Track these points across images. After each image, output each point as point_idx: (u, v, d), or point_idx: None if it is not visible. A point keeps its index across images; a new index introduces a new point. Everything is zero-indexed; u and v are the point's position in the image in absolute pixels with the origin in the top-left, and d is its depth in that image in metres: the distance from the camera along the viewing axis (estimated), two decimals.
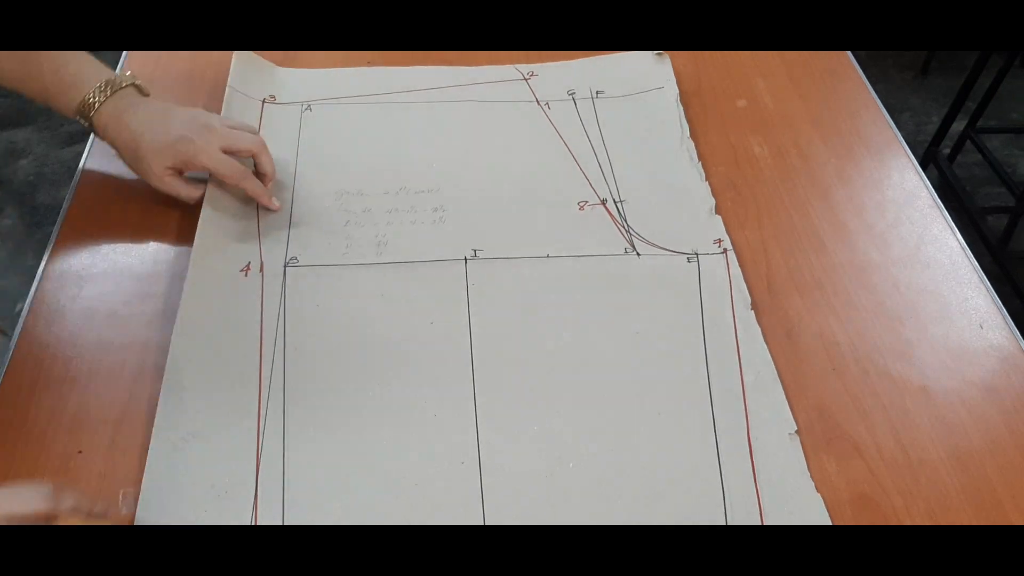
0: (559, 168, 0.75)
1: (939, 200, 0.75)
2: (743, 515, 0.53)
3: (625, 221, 0.70)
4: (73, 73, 0.65)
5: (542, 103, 0.81)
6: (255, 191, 0.67)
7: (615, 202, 0.72)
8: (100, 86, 0.64)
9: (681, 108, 0.80)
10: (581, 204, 0.72)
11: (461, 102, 0.82)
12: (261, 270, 0.65)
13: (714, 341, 0.61)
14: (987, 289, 0.67)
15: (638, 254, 0.67)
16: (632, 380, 0.59)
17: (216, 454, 0.54)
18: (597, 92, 0.82)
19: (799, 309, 0.65)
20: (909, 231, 0.71)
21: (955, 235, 0.71)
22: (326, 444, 0.55)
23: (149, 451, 0.54)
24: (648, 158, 0.76)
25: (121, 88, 0.66)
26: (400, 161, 0.75)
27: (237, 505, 0.52)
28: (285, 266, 0.65)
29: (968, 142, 1.78)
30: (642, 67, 0.85)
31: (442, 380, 0.59)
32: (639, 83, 0.83)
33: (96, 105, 0.64)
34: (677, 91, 0.82)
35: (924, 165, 1.78)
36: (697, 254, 0.67)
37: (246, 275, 0.65)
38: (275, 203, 0.68)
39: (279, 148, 0.74)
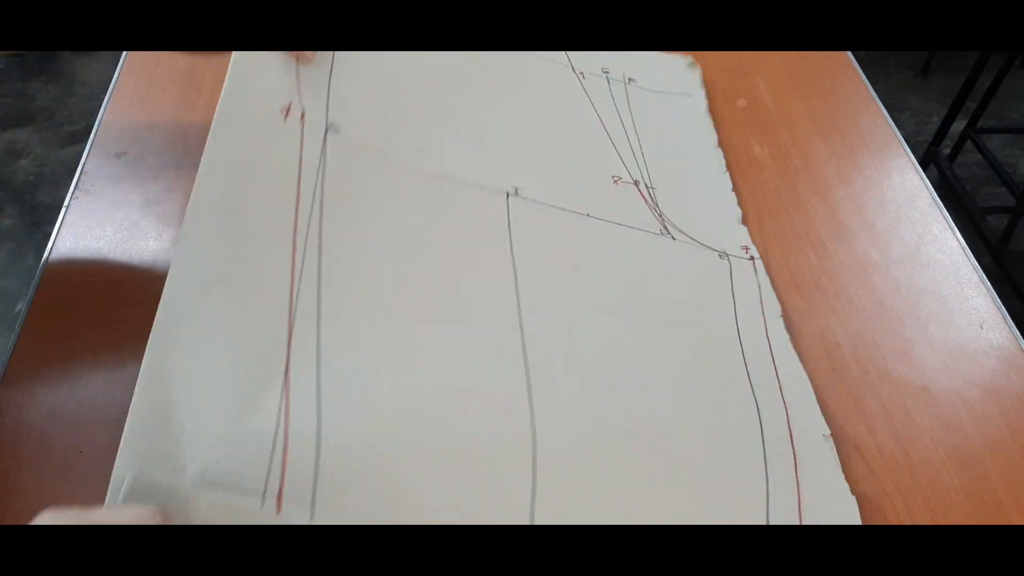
0: (593, 138, 0.72)
1: (939, 200, 0.75)
2: (783, 510, 0.51)
3: (657, 206, 0.69)
4: None
5: (577, 72, 0.78)
6: None
7: (647, 186, 0.70)
8: None
9: (711, 118, 0.80)
10: (615, 178, 0.70)
11: (499, 53, 0.75)
12: (303, 118, 0.57)
13: (748, 339, 0.60)
14: (987, 289, 0.67)
15: (673, 238, 0.66)
16: (671, 364, 0.57)
17: (242, 305, 0.47)
18: (629, 79, 0.80)
19: (799, 309, 0.65)
20: (909, 231, 0.71)
21: (955, 235, 0.71)
22: (362, 334, 0.50)
23: (159, 305, 0.46)
24: (678, 155, 0.74)
25: None
26: (437, 89, 0.69)
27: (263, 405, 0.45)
28: (327, 129, 0.58)
29: (968, 142, 1.78)
30: (674, 70, 0.84)
31: (486, 312, 0.54)
32: (670, 84, 0.82)
33: None
34: (706, 103, 0.81)
35: (924, 165, 1.78)
36: (728, 255, 0.66)
37: (286, 117, 0.57)
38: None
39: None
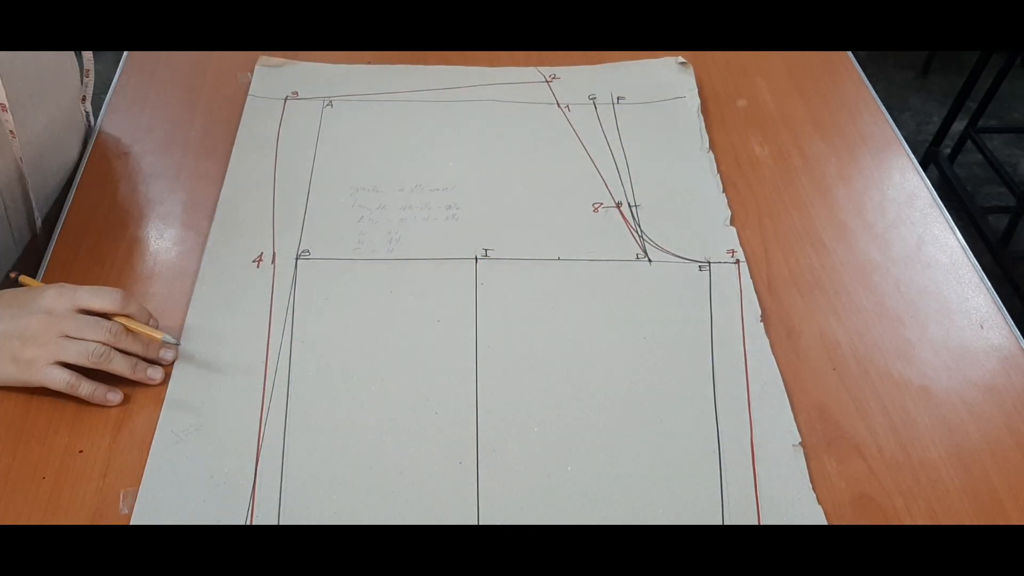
0: (576, 170, 0.75)
1: (939, 200, 0.75)
2: (741, 523, 0.52)
3: (639, 226, 0.70)
4: None
5: (562, 106, 0.82)
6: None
7: (630, 206, 0.72)
8: None
9: (702, 119, 0.80)
10: (596, 206, 0.72)
11: (482, 101, 0.82)
12: (273, 261, 0.66)
13: (722, 350, 0.61)
14: (987, 289, 0.67)
15: (650, 260, 0.67)
16: (636, 386, 0.59)
17: (218, 445, 0.55)
18: (618, 98, 0.83)
19: (799, 309, 0.65)
20: (910, 231, 0.71)
21: (955, 235, 0.71)
22: (325, 437, 0.55)
23: (153, 442, 0.54)
24: (666, 165, 0.76)
25: None
26: (417, 159, 0.76)
27: (235, 495, 0.52)
28: (297, 258, 0.66)
29: (968, 142, 1.78)
30: (665, 75, 0.85)
31: (445, 378, 0.59)
32: (661, 91, 0.83)
33: None
34: (699, 101, 0.82)
35: (925, 165, 1.78)
36: (709, 263, 0.67)
37: (258, 266, 0.65)
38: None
39: (298, 143, 0.75)
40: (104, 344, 0.54)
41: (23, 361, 0.53)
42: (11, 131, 0.62)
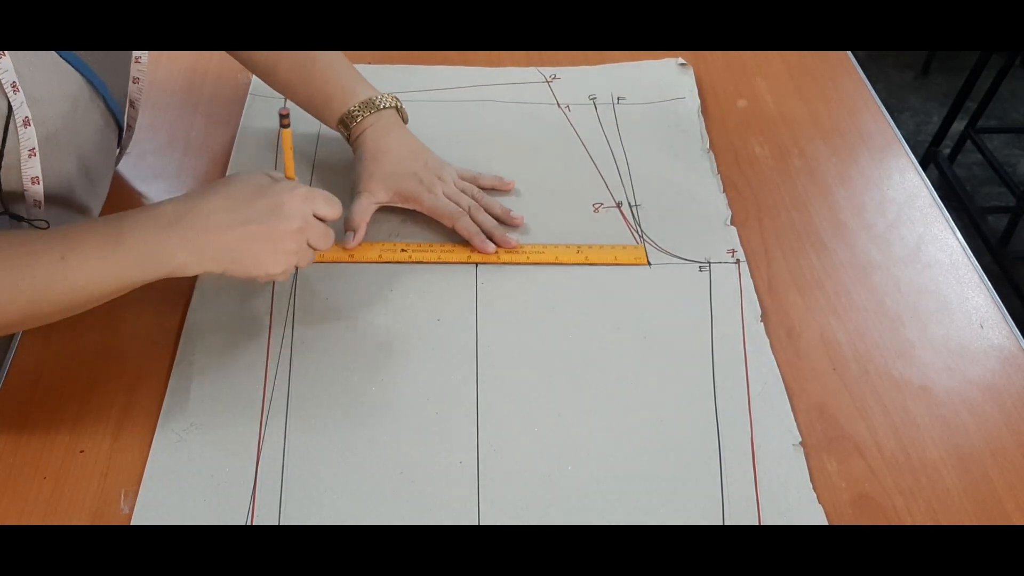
0: (576, 170, 0.75)
1: (939, 200, 0.75)
2: (742, 523, 0.52)
3: (639, 226, 0.70)
4: (341, 85, 0.68)
5: (563, 106, 0.82)
6: (467, 231, 0.66)
7: (630, 206, 0.72)
8: (364, 102, 0.68)
9: (702, 120, 0.80)
10: (596, 206, 0.72)
11: (482, 102, 0.82)
12: None
13: (722, 350, 0.61)
14: (987, 289, 0.67)
15: (649, 263, 0.67)
16: (636, 386, 0.59)
17: (218, 445, 0.55)
18: (618, 98, 0.83)
19: (799, 309, 0.65)
20: (909, 231, 0.71)
21: (955, 235, 0.71)
22: (326, 437, 0.56)
23: (153, 441, 0.54)
24: (666, 165, 0.76)
25: (384, 108, 0.68)
26: None
27: (235, 496, 0.52)
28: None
29: (968, 142, 1.78)
30: (665, 76, 0.85)
31: (446, 378, 0.59)
32: (661, 92, 0.84)
33: (359, 119, 0.68)
34: (699, 103, 0.82)
35: (924, 165, 1.78)
36: (709, 263, 0.67)
37: None
38: (489, 246, 0.66)
39: (299, 143, 0.75)
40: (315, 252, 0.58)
41: (268, 263, 0.54)
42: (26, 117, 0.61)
